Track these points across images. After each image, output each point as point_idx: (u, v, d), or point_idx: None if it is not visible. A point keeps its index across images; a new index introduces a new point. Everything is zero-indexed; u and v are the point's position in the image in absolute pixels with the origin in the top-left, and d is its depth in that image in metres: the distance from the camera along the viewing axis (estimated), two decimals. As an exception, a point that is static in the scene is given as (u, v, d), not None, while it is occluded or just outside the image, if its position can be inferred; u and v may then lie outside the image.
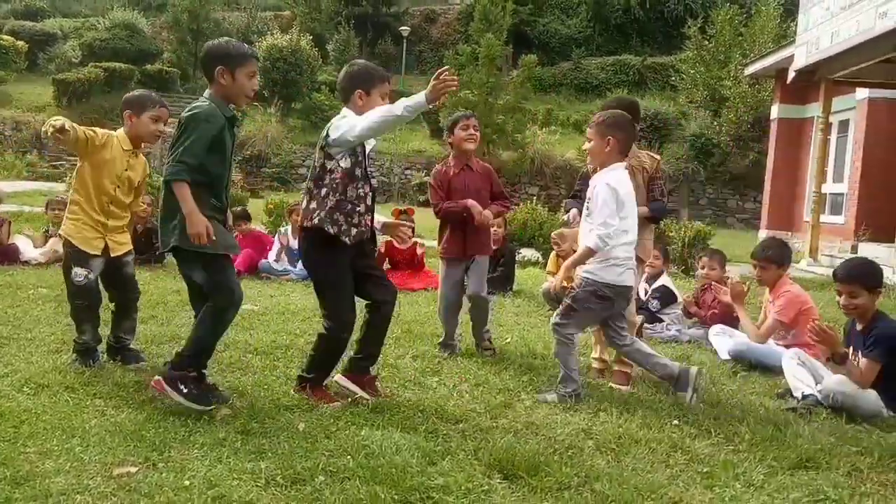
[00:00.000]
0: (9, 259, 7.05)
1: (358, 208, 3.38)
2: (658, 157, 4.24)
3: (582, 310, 3.67)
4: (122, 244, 3.90)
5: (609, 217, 3.52)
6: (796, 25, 12.26)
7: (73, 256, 3.78)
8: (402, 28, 28.10)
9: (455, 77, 3.14)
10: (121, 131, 3.85)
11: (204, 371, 3.35)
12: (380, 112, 3.24)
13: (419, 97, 3.14)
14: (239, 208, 7.99)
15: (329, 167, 3.35)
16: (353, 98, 3.44)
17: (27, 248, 7.33)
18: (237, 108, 3.44)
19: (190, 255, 3.22)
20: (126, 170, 3.83)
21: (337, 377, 3.55)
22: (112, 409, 3.18)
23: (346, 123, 3.29)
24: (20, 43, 25.04)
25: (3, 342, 4.21)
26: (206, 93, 3.31)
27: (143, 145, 3.97)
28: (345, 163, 3.34)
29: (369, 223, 3.48)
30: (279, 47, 22.85)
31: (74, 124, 3.63)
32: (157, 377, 3.22)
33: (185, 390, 3.14)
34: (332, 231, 3.32)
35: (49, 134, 3.51)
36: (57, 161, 18.89)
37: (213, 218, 3.22)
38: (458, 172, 4.54)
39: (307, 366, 3.52)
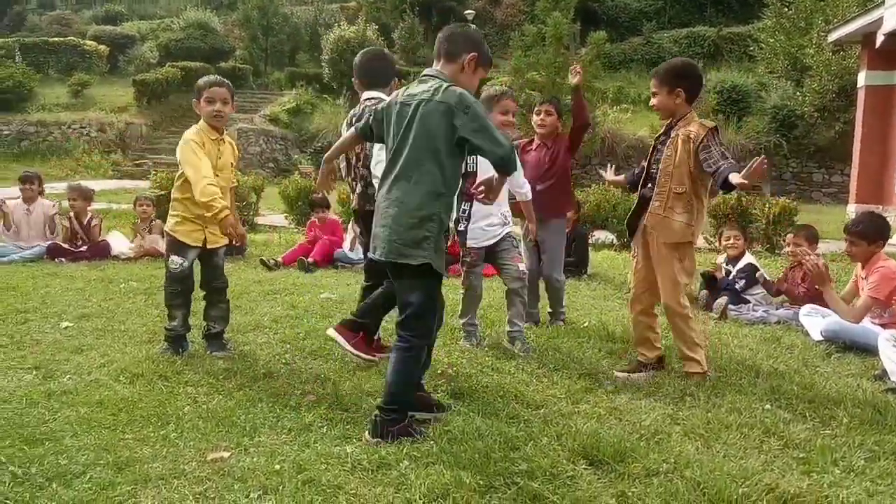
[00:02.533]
0: (101, 255, 7.39)
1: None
2: (711, 123, 3.64)
3: None
4: (221, 237, 4.03)
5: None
6: (885, -14, 11.53)
7: (172, 246, 4.02)
8: (467, 12, 27.90)
9: None
10: (202, 123, 3.97)
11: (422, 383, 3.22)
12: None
13: None
14: (318, 195, 8.09)
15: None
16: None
17: (118, 243, 7.67)
18: None
19: (428, 274, 2.84)
20: (219, 157, 3.96)
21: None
22: (203, 397, 3.29)
23: None
24: (102, 47, 26.16)
25: (100, 334, 4.42)
26: (439, 71, 2.94)
27: (219, 129, 3.99)
28: None
29: None
30: (346, 38, 23.05)
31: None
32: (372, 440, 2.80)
33: (417, 435, 2.83)
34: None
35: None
36: (140, 160, 19.67)
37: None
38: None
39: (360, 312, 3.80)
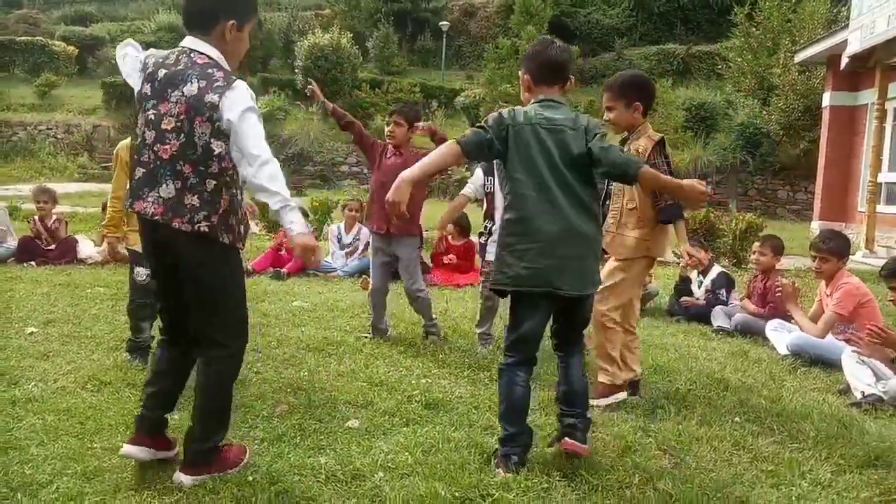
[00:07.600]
0: (67, 256, 7.24)
1: (243, 200, 2.62)
2: (657, 135, 3.54)
3: None
4: None
5: None
6: (848, 10, 11.87)
7: (135, 258, 3.86)
8: (442, 23, 28.02)
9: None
10: None
11: None
12: (280, 181, 2.35)
13: (303, 225, 2.40)
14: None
15: (217, 151, 2.40)
16: (218, 30, 2.46)
17: (86, 246, 7.51)
18: None
19: None
20: None
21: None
22: (173, 406, 3.23)
23: (256, 131, 2.36)
24: (70, 48, 25.71)
25: (66, 340, 4.34)
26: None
27: None
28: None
29: None
30: (320, 46, 22.97)
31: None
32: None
33: None
34: (227, 241, 2.48)
35: None
36: (107, 162, 19.34)
37: None
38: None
39: (203, 431, 2.54)
